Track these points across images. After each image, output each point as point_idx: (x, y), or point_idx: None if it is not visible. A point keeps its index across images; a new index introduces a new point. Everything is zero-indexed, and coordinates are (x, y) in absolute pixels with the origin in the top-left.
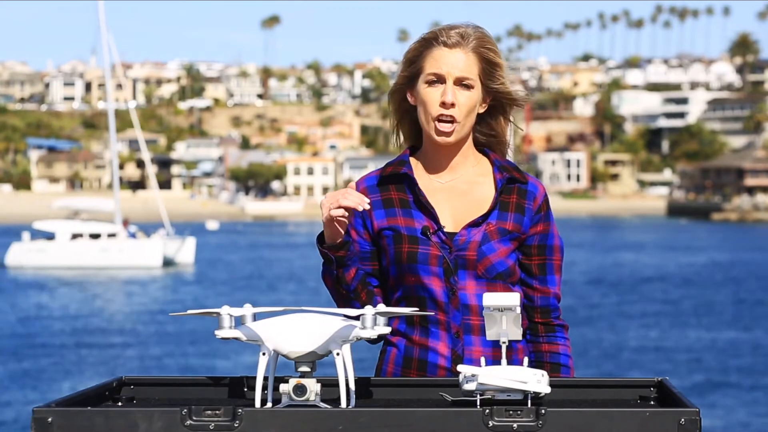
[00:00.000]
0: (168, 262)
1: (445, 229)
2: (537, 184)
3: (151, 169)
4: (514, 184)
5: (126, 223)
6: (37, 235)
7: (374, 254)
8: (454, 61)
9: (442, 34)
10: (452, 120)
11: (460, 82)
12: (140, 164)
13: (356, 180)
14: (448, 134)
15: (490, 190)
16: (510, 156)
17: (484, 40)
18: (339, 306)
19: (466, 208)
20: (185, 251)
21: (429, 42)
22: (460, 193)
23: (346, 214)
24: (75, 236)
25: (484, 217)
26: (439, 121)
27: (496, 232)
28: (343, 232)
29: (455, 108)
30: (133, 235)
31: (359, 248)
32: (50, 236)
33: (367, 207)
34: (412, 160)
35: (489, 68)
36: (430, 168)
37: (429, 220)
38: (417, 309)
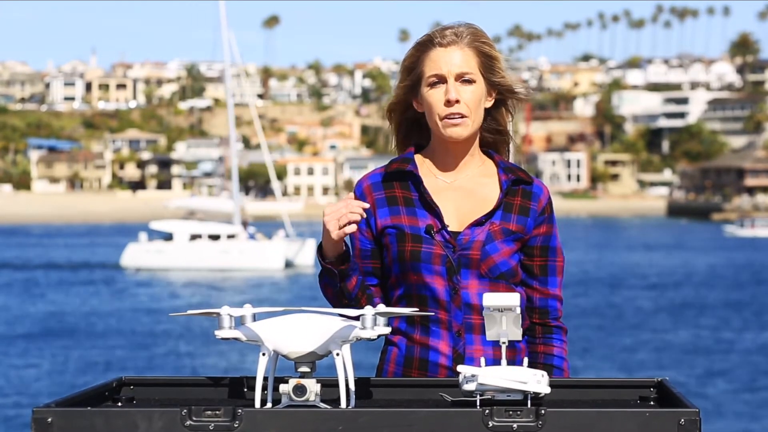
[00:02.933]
0: (287, 264)
1: (449, 228)
2: (541, 186)
3: (275, 179)
4: (519, 186)
5: (245, 224)
6: (154, 235)
7: (375, 252)
8: (452, 59)
9: (437, 36)
10: (461, 116)
11: (461, 78)
12: (140, 164)
13: (360, 177)
14: (458, 131)
15: (495, 190)
16: (512, 153)
17: (478, 35)
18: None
19: (470, 207)
20: (305, 253)
21: (425, 45)
22: (465, 193)
23: (356, 228)
24: (194, 237)
25: (488, 217)
26: (447, 119)
27: (500, 232)
28: (344, 245)
29: (461, 104)
30: (252, 237)
31: (360, 246)
32: (168, 237)
33: (367, 206)
34: (417, 158)
35: (487, 62)
36: (436, 167)
37: (433, 218)
38: (417, 309)
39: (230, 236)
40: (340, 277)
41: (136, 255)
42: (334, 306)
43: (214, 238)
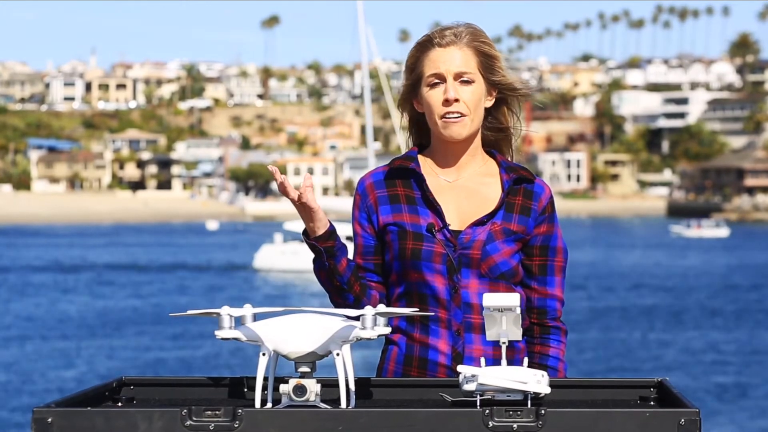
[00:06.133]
0: None
1: (450, 227)
2: (543, 185)
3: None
4: (521, 185)
5: None
6: (288, 236)
7: (378, 249)
8: (451, 59)
9: (436, 36)
10: (459, 115)
11: (460, 78)
12: (140, 164)
13: (362, 175)
14: (458, 129)
15: (497, 190)
16: (514, 151)
17: (477, 35)
18: (333, 299)
19: (472, 207)
20: None
21: (424, 45)
22: (466, 193)
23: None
24: None
25: (490, 217)
26: (446, 118)
27: (500, 232)
28: (318, 217)
29: (459, 103)
30: None
31: (363, 242)
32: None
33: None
34: (419, 157)
35: (487, 61)
36: (438, 166)
37: (435, 217)
38: (417, 309)
39: None
40: (327, 255)
41: (271, 257)
42: (330, 294)
43: (351, 239)
